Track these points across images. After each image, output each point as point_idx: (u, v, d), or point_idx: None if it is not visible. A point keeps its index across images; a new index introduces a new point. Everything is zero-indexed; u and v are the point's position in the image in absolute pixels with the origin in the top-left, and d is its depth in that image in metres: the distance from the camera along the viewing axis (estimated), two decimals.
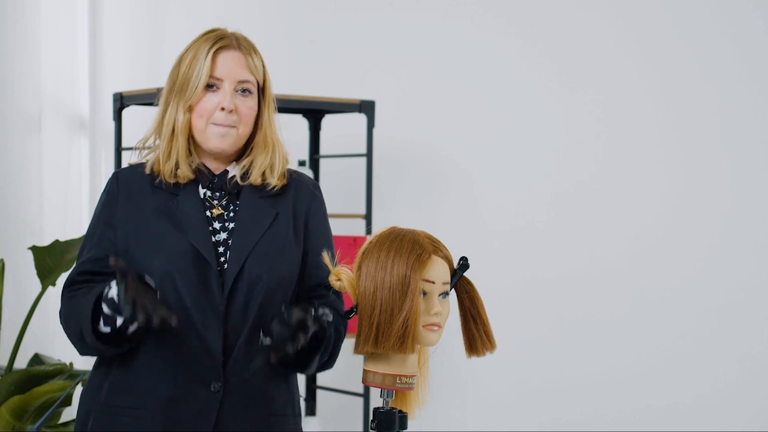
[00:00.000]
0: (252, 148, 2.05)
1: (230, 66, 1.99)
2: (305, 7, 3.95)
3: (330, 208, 3.68)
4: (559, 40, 3.60)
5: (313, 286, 2.05)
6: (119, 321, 1.85)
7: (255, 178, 2.03)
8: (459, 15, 3.72)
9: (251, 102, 2.01)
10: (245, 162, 2.04)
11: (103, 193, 2.07)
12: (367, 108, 3.31)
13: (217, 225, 2.01)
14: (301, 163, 3.36)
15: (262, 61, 2.05)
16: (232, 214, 2.02)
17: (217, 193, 2.04)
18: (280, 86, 3.46)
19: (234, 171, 2.04)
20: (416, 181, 3.80)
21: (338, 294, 2.05)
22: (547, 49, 3.62)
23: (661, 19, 3.48)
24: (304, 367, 2.00)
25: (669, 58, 3.46)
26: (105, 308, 1.86)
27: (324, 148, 3.66)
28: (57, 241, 3.11)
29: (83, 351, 1.98)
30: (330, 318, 1.85)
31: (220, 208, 2.02)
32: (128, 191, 2.03)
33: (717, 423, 3.34)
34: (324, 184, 3.64)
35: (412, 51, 3.78)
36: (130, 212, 2.01)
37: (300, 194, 2.10)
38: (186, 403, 1.94)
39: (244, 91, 2.00)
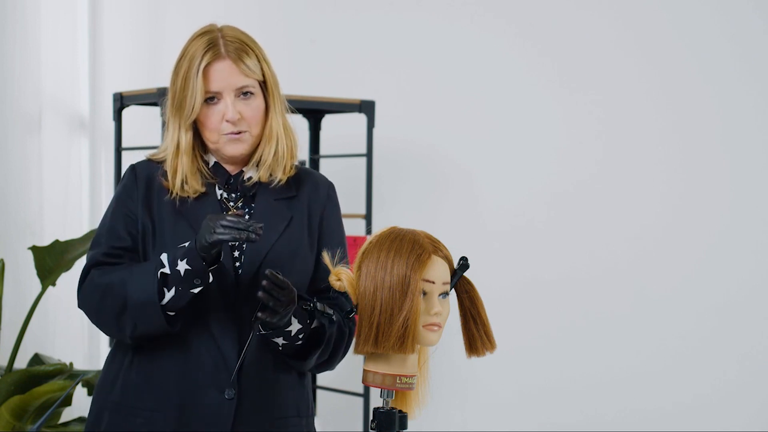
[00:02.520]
0: (259, 144, 2.04)
1: (223, 77, 1.96)
2: (305, 7, 3.95)
3: None
4: (559, 40, 3.60)
5: (323, 289, 2.05)
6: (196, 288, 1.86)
7: (263, 175, 2.02)
8: (459, 15, 3.72)
9: (255, 102, 1.99)
10: (255, 159, 2.03)
11: (120, 185, 2.06)
12: (367, 108, 3.31)
13: None
14: (301, 163, 3.36)
15: (258, 57, 2.00)
16: (247, 218, 2.01)
17: (233, 195, 2.04)
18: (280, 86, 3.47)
19: (250, 172, 2.04)
20: (416, 181, 3.80)
21: (346, 297, 2.05)
22: (547, 49, 3.62)
23: (661, 19, 3.48)
24: (302, 362, 2.00)
25: (669, 58, 3.46)
26: (181, 264, 1.84)
27: (324, 148, 3.66)
28: (57, 241, 3.11)
29: (120, 324, 1.93)
30: (332, 315, 1.84)
31: (235, 211, 2.02)
32: (146, 187, 2.02)
33: (717, 423, 3.34)
34: None
35: (412, 51, 3.78)
36: (148, 211, 2.00)
37: (315, 196, 2.09)
38: (200, 408, 1.94)
39: (245, 93, 1.98)
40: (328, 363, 2.04)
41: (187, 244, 1.87)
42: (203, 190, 2.01)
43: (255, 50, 2.01)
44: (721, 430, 3.33)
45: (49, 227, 3.71)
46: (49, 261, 3.10)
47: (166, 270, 1.87)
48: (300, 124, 3.62)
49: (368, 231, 3.23)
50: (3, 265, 3.02)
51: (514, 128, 3.65)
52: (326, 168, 3.67)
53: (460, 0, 3.73)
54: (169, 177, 2.00)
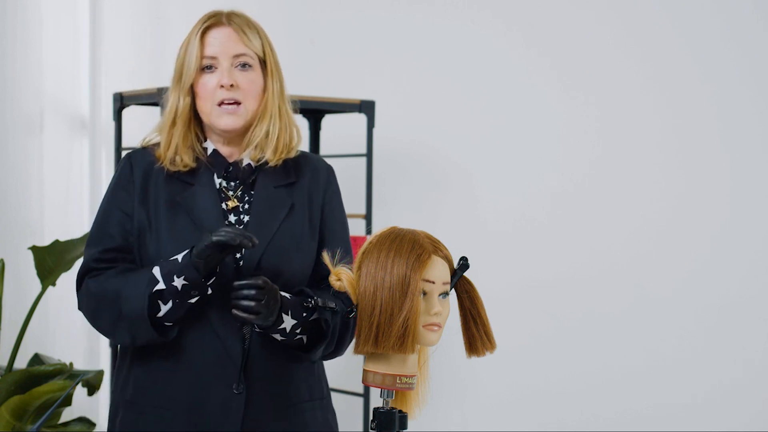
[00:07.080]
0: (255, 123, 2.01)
1: (222, 42, 1.94)
2: (305, 7, 3.95)
3: None
4: (559, 41, 3.60)
5: (326, 276, 2.04)
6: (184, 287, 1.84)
7: (253, 155, 2.00)
8: (459, 15, 3.72)
9: (252, 75, 1.97)
10: (247, 139, 2.00)
11: (115, 176, 2.03)
12: (367, 108, 3.31)
13: (232, 218, 1.98)
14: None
15: (260, 35, 2.00)
16: (247, 206, 1.99)
17: (232, 183, 2.01)
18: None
19: (248, 159, 2.01)
20: (416, 181, 3.80)
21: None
22: (547, 49, 3.62)
23: (660, 20, 3.48)
24: (307, 354, 1.99)
25: (668, 58, 3.46)
26: (177, 280, 1.83)
27: (324, 148, 3.66)
28: (57, 241, 3.11)
29: (118, 334, 1.93)
30: (335, 308, 1.83)
31: (235, 200, 1.99)
32: (143, 178, 1.99)
33: (717, 423, 3.34)
34: None
35: (412, 51, 3.78)
36: (145, 202, 1.97)
37: (315, 181, 2.06)
38: (210, 404, 1.93)
39: (243, 65, 1.96)
40: (335, 352, 2.03)
41: (180, 257, 1.86)
42: (194, 165, 1.98)
43: (260, 31, 2.00)
44: (721, 430, 3.33)
45: (49, 227, 3.71)
46: (49, 261, 3.10)
47: (161, 286, 1.85)
48: (300, 124, 3.62)
49: (368, 231, 3.23)
50: (3, 265, 3.02)
51: (514, 128, 3.65)
52: None
53: (461, 0, 3.73)
54: (162, 149, 1.98)
